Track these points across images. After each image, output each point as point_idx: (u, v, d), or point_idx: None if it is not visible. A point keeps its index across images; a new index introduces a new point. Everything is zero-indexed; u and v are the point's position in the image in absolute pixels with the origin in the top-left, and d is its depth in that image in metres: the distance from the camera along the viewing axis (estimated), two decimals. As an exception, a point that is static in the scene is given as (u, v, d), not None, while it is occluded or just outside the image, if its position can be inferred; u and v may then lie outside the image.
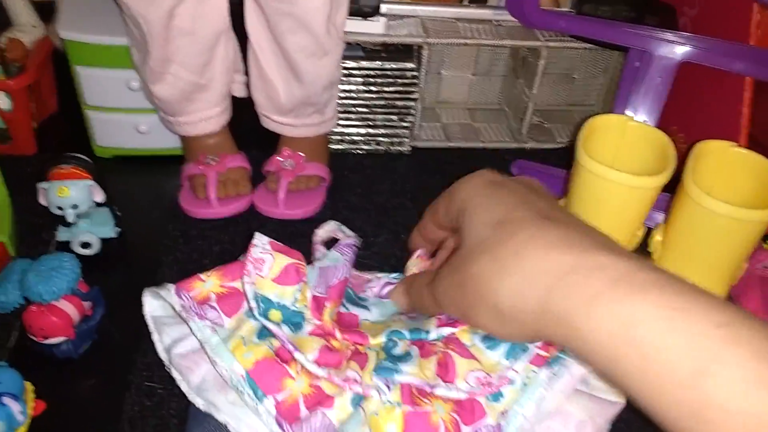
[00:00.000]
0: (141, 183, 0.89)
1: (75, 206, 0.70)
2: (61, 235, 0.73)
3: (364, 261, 0.77)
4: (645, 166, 0.70)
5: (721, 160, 0.69)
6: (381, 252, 0.79)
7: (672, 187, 0.67)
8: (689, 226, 0.64)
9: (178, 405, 0.60)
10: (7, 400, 0.52)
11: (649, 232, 0.72)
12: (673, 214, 0.67)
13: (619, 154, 0.74)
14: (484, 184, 0.41)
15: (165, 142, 0.90)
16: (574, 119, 1.08)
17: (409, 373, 0.47)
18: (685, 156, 0.69)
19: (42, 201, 0.70)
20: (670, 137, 0.71)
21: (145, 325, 0.61)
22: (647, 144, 0.71)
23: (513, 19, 0.93)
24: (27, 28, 0.91)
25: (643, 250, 0.72)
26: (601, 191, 0.65)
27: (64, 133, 0.95)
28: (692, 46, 0.79)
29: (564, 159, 0.97)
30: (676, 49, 0.80)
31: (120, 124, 0.88)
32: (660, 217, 0.77)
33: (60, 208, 0.69)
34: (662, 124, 0.81)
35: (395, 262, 0.78)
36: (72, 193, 0.69)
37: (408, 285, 0.54)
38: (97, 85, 0.85)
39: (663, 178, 0.63)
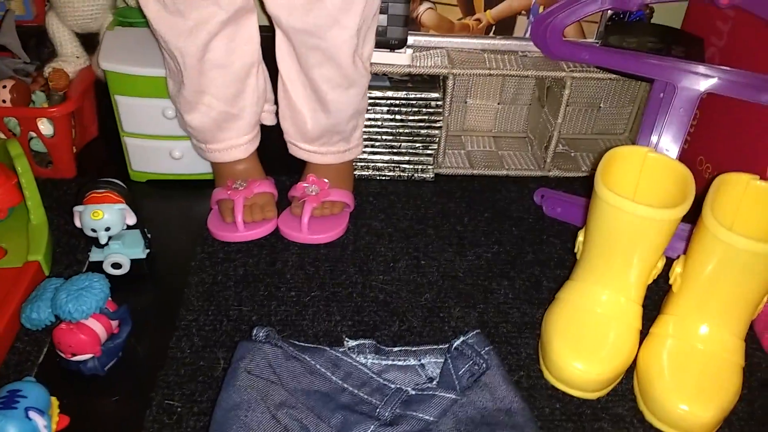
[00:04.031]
0: (172, 206, 0.92)
1: (108, 229, 0.73)
2: (94, 255, 0.77)
3: (384, 287, 0.79)
4: (666, 197, 0.69)
5: (742, 193, 0.68)
6: (401, 278, 0.80)
7: (694, 218, 0.67)
8: (708, 258, 0.63)
9: (196, 423, 0.62)
10: (33, 414, 0.54)
11: (670, 262, 0.71)
12: (692, 246, 0.66)
13: (641, 185, 0.73)
14: None
15: (197, 168, 0.93)
16: (600, 148, 1.08)
17: None
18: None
19: (77, 223, 0.74)
20: (697, 168, 0.71)
21: (168, 346, 0.63)
22: (667, 176, 0.71)
23: (538, 49, 0.94)
24: (71, 59, 0.96)
25: (663, 281, 0.71)
26: (619, 223, 0.65)
27: (102, 158, 0.99)
28: (716, 77, 0.79)
29: (588, 188, 0.97)
30: (700, 80, 0.80)
31: (155, 150, 0.92)
32: (682, 247, 0.76)
33: (93, 231, 0.73)
34: (688, 155, 0.81)
35: (414, 288, 0.79)
36: (105, 216, 0.72)
37: None
38: (134, 113, 0.89)
39: (680, 211, 0.63)
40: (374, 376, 0.62)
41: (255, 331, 0.63)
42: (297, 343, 0.64)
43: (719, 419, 0.62)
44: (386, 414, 0.59)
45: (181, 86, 0.80)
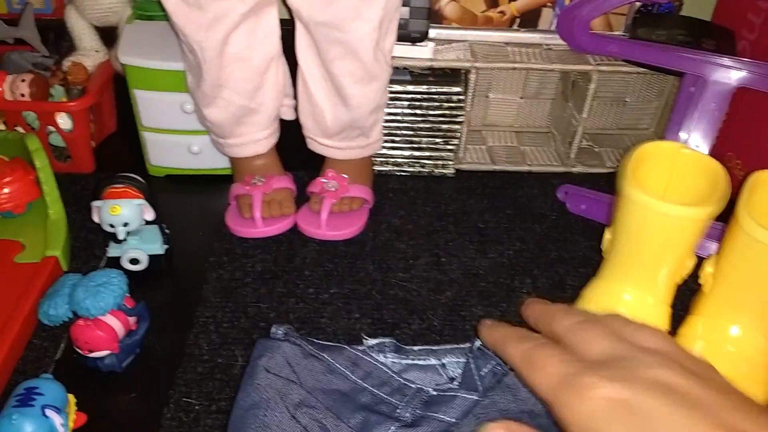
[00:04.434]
0: (191, 201, 0.92)
1: (126, 224, 0.72)
2: (112, 251, 0.76)
3: (404, 284, 0.77)
4: (698, 195, 0.67)
5: (778, 191, 0.66)
6: (421, 275, 0.79)
7: (727, 216, 0.65)
8: (742, 259, 0.61)
9: (214, 422, 0.61)
10: (50, 412, 0.54)
11: (701, 262, 0.69)
12: (725, 245, 0.64)
13: (672, 182, 0.71)
14: (622, 410, 0.28)
15: (215, 163, 0.92)
16: (625, 143, 1.05)
17: None
18: (741, 184, 0.66)
19: (95, 218, 0.73)
20: (726, 164, 0.69)
21: (186, 343, 0.62)
22: (700, 173, 0.68)
23: (563, 42, 0.92)
24: (90, 53, 0.96)
25: (692, 282, 0.69)
26: (647, 222, 0.63)
27: (120, 153, 0.99)
28: (748, 71, 0.77)
29: (613, 184, 0.95)
30: (732, 74, 0.77)
31: (173, 144, 0.91)
32: (713, 246, 0.73)
33: (112, 226, 0.72)
34: (718, 151, 0.78)
35: (434, 286, 0.77)
36: (123, 212, 0.72)
37: None
38: (153, 107, 0.88)
39: (711, 209, 0.61)
40: (394, 375, 0.61)
41: (273, 329, 0.61)
42: (316, 341, 0.63)
43: (752, 425, 0.60)
44: (407, 415, 0.58)
45: (200, 80, 0.79)
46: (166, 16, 0.83)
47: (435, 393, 0.59)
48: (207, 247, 0.82)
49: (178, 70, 0.84)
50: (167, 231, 0.78)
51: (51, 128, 0.89)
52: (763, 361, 0.63)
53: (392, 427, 0.56)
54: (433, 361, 0.63)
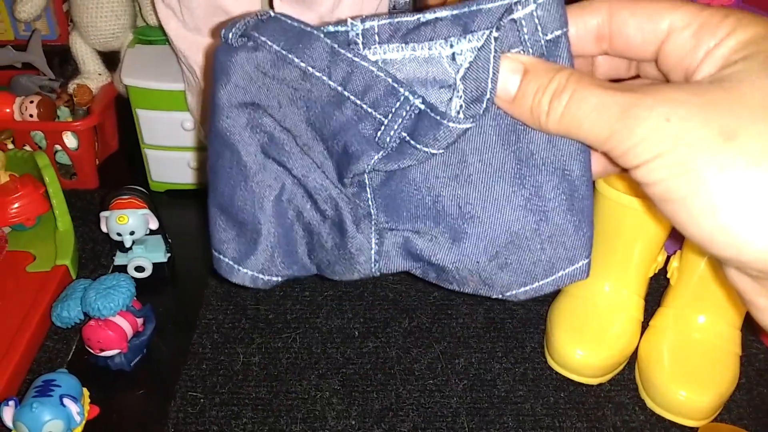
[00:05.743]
0: (191, 214, 0.96)
1: (132, 233, 0.77)
2: (118, 259, 0.80)
3: (394, 286, 0.82)
4: None
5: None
6: (410, 277, 0.83)
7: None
8: (702, 254, 0.67)
9: (218, 413, 0.65)
10: (67, 401, 0.58)
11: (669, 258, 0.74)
12: (688, 240, 0.69)
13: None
14: None
15: (213, 177, 0.97)
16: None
17: None
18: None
19: (103, 228, 0.78)
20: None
21: (190, 342, 0.66)
22: None
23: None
24: (93, 76, 1.01)
25: (664, 277, 0.74)
26: (618, 217, 0.69)
27: (122, 170, 1.04)
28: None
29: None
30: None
31: (174, 160, 0.96)
32: (680, 243, 0.79)
33: (119, 234, 0.77)
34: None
35: (422, 287, 0.82)
36: (130, 221, 0.76)
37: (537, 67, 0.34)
38: (154, 125, 0.93)
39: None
40: (381, 74, 0.40)
41: (223, 32, 0.39)
42: (283, 25, 0.38)
43: (717, 405, 0.65)
44: (387, 139, 0.40)
45: (199, 99, 0.85)
46: (165, 41, 0.89)
47: (423, 107, 0.39)
48: (207, 255, 0.86)
49: (177, 90, 0.89)
50: (170, 240, 0.82)
51: (58, 147, 0.94)
52: (727, 347, 0.68)
53: (374, 157, 0.40)
54: (439, 50, 0.41)
